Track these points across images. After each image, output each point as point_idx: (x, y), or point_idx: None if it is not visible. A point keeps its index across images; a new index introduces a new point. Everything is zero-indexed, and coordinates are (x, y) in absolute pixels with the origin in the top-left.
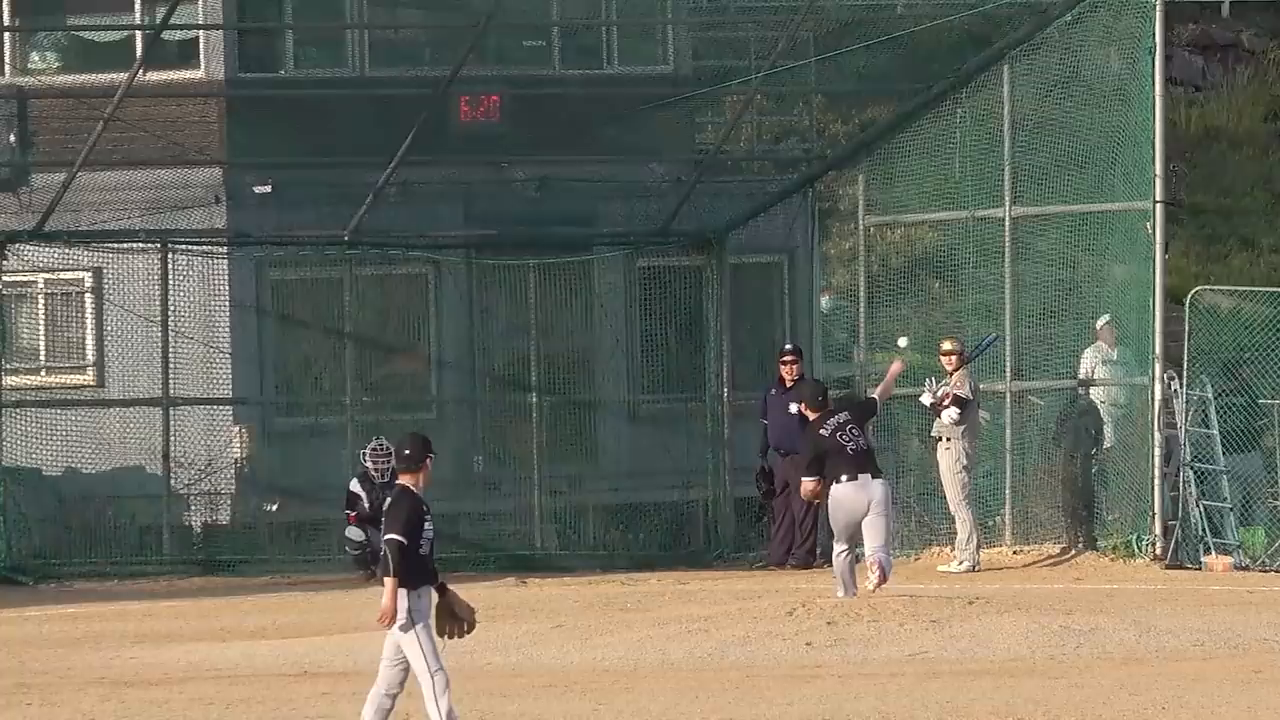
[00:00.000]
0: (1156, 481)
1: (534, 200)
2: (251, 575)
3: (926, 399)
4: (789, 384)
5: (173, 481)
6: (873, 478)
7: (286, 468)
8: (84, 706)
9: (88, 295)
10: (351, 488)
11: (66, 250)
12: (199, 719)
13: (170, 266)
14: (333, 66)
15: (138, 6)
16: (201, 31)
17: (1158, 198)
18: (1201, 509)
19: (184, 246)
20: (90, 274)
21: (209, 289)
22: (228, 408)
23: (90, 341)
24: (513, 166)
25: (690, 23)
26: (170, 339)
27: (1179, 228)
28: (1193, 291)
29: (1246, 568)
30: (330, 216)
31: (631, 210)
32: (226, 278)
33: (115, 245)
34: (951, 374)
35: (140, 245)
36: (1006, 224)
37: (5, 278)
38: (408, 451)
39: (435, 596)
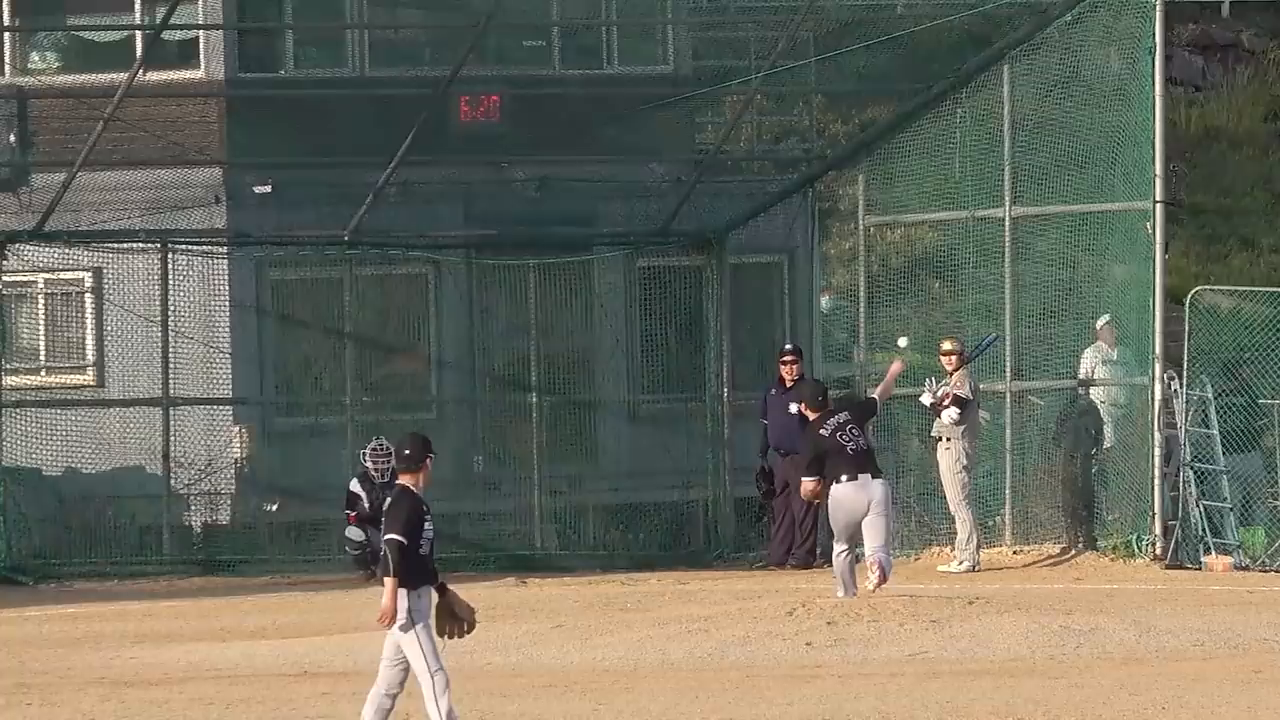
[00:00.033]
0: (1156, 481)
1: (534, 200)
2: (251, 575)
3: (926, 399)
4: (789, 384)
5: (173, 481)
6: (873, 478)
7: (286, 468)
8: (84, 706)
9: (88, 295)
10: (351, 488)
11: (66, 250)
12: (199, 719)
13: (170, 266)
14: (333, 66)
15: (138, 6)
16: (201, 31)
17: (1158, 198)
18: (1201, 509)
19: (184, 246)
20: (90, 274)
21: (209, 289)
22: (228, 408)
23: (90, 341)
24: (513, 166)
25: (690, 23)
26: (170, 339)
27: (1179, 228)
28: (1193, 291)
29: (1246, 568)
30: (330, 216)
31: (631, 210)
32: (226, 278)
33: (115, 245)
34: (951, 374)
35: (140, 245)
36: (1006, 224)
37: (5, 278)
38: (408, 451)
39: (435, 596)
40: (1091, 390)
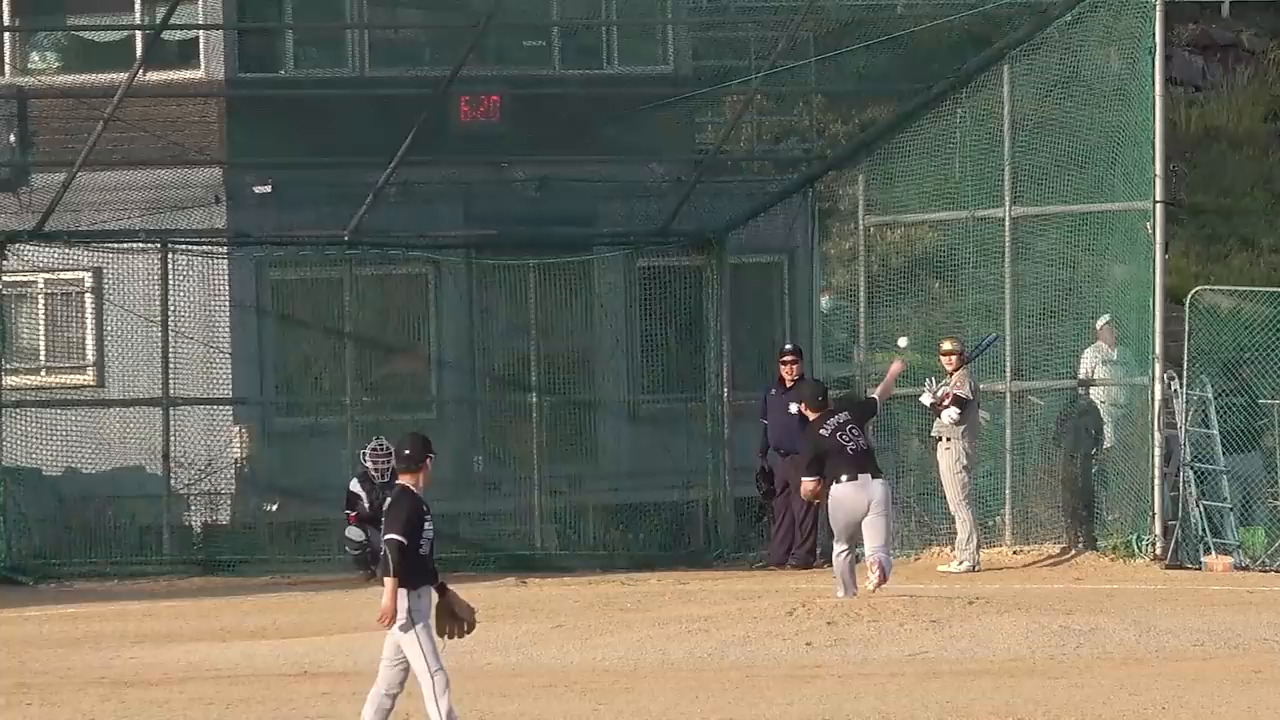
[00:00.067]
0: (1156, 481)
1: (534, 200)
2: (251, 575)
3: (926, 399)
4: (789, 384)
5: (173, 481)
6: (873, 478)
7: (286, 468)
8: (84, 706)
9: (88, 295)
10: (351, 488)
11: (66, 250)
12: (199, 719)
13: (170, 266)
14: (333, 66)
15: (138, 6)
16: (201, 31)
17: (1158, 198)
18: (1201, 509)
19: (184, 246)
20: (90, 274)
21: (209, 289)
22: (228, 408)
23: (90, 341)
24: (513, 166)
25: (690, 23)
26: (170, 339)
27: (1179, 228)
28: (1193, 291)
29: (1246, 568)
30: (330, 216)
31: (631, 210)
32: (226, 278)
33: (115, 245)
34: (951, 374)
35: (140, 245)
36: (1006, 224)
37: (5, 278)
38: (408, 451)
39: (435, 596)
40: (1091, 390)
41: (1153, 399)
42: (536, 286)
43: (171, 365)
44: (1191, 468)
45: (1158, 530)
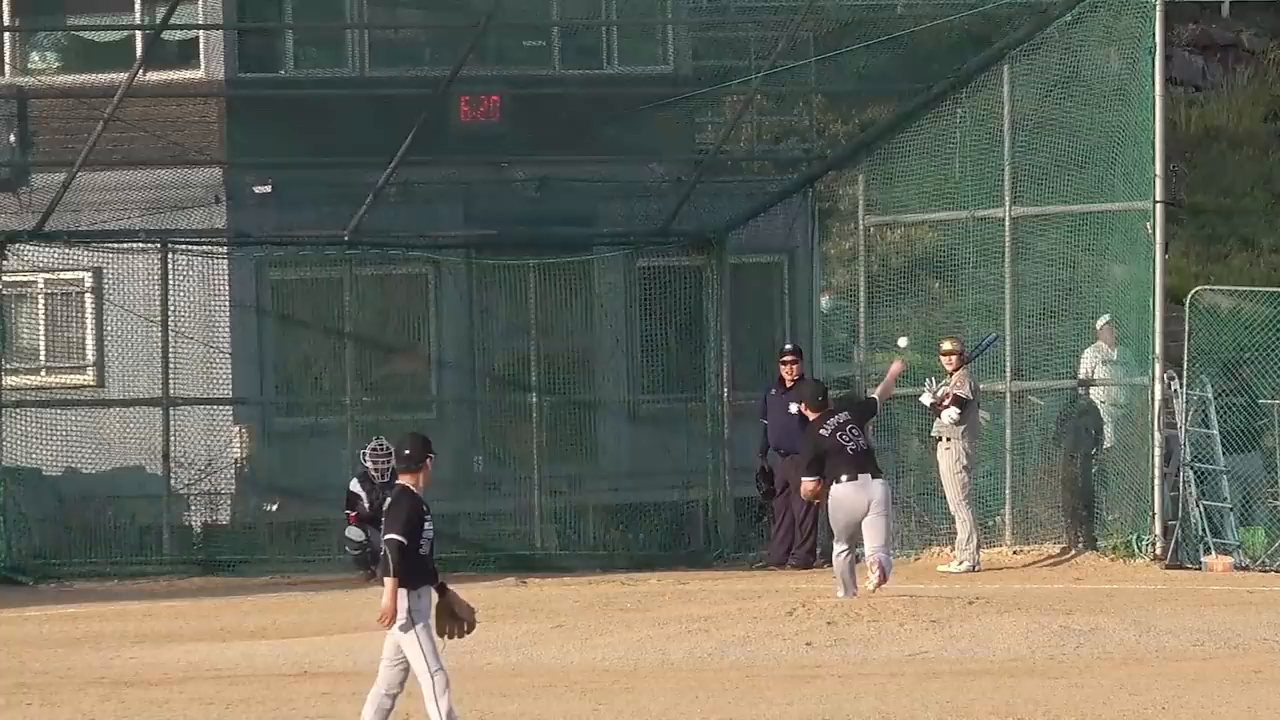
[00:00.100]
0: (1156, 481)
1: (534, 200)
2: (251, 575)
3: (926, 399)
4: (789, 384)
5: (173, 481)
6: (873, 478)
7: (286, 468)
8: (84, 706)
9: (88, 295)
10: (351, 488)
11: (66, 250)
12: (199, 719)
13: (170, 266)
14: (333, 66)
15: (138, 6)
16: (201, 31)
17: (1158, 198)
18: (1201, 509)
19: (184, 246)
20: (90, 274)
21: (209, 289)
22: (228, 408)
23: (90, 341)
24: (513, 166)
25: (690, 23)
26: (170, 339)
27: (1179, 228)
28: (1193, 291)
29: (1246, 568)
30: (330, 216)
31: (631, 210)
32: (226, 278)
33: (115, 245)
34: (951, 374)
35: (140, 245)
36: (1006, 224)
37: (5, 278)
38: (408, 451)
39: (435, 596)
40: (1091, 390)
41: (1153, 399)
42: (536, 286)
43: (171, 365)
44: (1191, 468)
45: (1158, 530)
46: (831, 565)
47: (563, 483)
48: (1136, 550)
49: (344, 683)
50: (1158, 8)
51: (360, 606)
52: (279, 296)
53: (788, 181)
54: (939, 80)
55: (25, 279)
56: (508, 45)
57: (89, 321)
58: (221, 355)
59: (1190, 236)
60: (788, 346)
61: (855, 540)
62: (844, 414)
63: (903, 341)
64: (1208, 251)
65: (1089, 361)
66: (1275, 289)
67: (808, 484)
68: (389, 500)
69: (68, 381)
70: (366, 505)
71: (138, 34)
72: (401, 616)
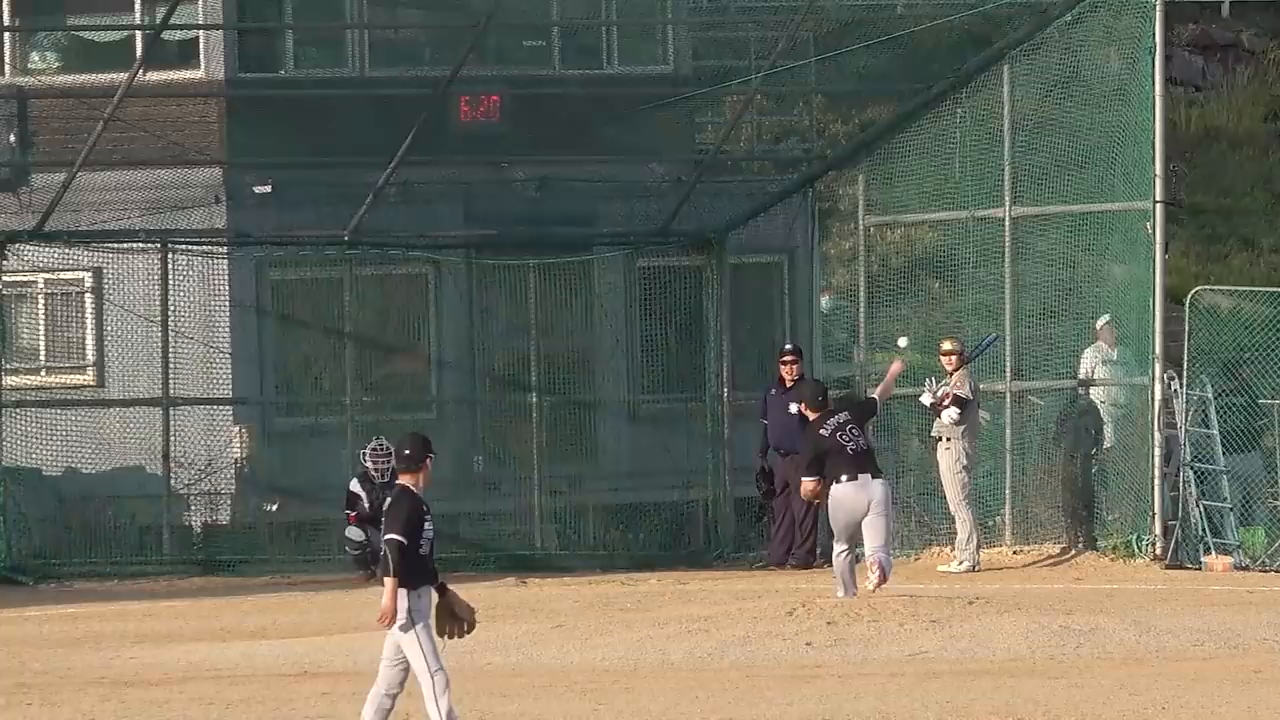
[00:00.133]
0: (1156, 481)
1: (534, 200)
2: (251, 575)
3: (926, 399)
4: (789, 384)
5: (173, 481)
6: (873, 478)
7: (286, 468)
8: (84, 706)
9: (88, 295)
10: (351, 488)
11: (66, 250)
12: (199, 719)
13: (170, 266)
14: (333, 66)
15: (138, 6)
16: (201, 31)
17: (1158, 198)
18: (1201, 509)
19: (184, 246)
20: (90, 274)
21: (209, 289)
22: (228, 408)
23: (90, 341)
24: (513, 166)
25: (690, 23)
26: (170, 339)
27: (1179, 228)
28: (1193, 291)
29: (1246, 568)
30: (330, 216)
31: (631, 210)
32: (226, 278)
33: (115, 245)
34: (951, 374)
35: (140, 245)
36: (1006, 224)
37: (5, 278)
38: (408, 451)
39: (435, 596)
40: (1091, 390)
41: (1153, 399)
42: (536, 286)
43: (171, 365)
44: (1191, 468)
45: (1158, 530)
46: (831, 565)
47: (563, 483)
48: (1136, 550)
49: (344, 683)
50: (1158, 8)
51: (360, 606)
52: (279, 296)
53: (788, 181)
54: (939, 80)
55: (25, 279)
56: (508, 45)
57: (89, 321)
58: (221, 355)
59: (1190, 236)
60: (788, 346)
61: (855, 540)
62: (844, 414)
63: (903, 341)
64: (1208, 251)
65: (1089, 361)
66: (1275, 289)
67: (808, 484)
68: (389, 500)
69: (68, 381)
70: (366, 505)
71: (138, 34)
72: (401, 616)
